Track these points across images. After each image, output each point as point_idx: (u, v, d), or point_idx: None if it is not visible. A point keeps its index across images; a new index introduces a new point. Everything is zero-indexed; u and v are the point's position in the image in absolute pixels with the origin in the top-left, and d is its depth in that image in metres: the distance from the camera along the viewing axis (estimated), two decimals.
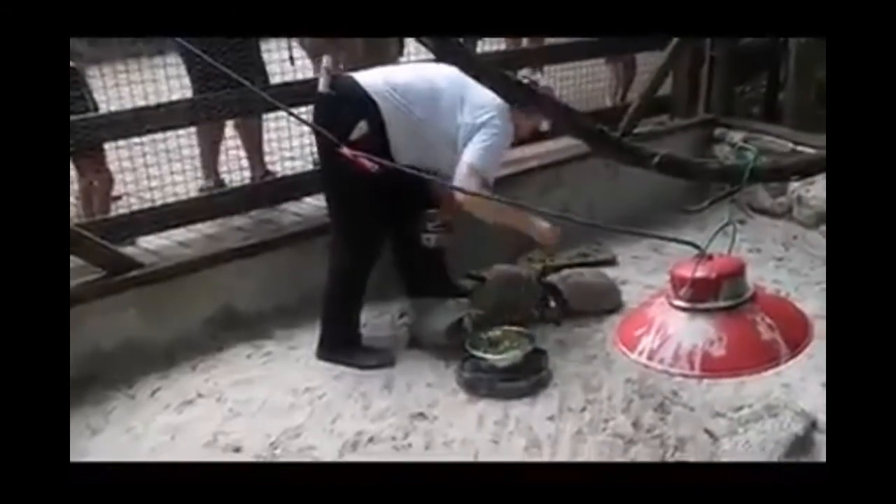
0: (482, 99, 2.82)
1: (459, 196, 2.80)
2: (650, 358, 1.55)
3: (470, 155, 2.81)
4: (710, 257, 1.59)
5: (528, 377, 2.81)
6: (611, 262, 3.77)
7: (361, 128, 2.70)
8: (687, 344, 1.52)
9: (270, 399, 2.81)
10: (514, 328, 3.04)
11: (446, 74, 2.85)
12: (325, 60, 2.87)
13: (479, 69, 1.48)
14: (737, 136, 4.46)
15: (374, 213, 2.89)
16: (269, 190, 3.71)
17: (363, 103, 2.76)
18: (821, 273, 3.60)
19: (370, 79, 2.84)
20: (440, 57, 1.71)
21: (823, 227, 4.01)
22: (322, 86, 2.79)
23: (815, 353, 2.77)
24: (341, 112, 2.75)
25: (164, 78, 3.62)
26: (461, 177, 2.78)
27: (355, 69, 2.96)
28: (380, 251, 3.01)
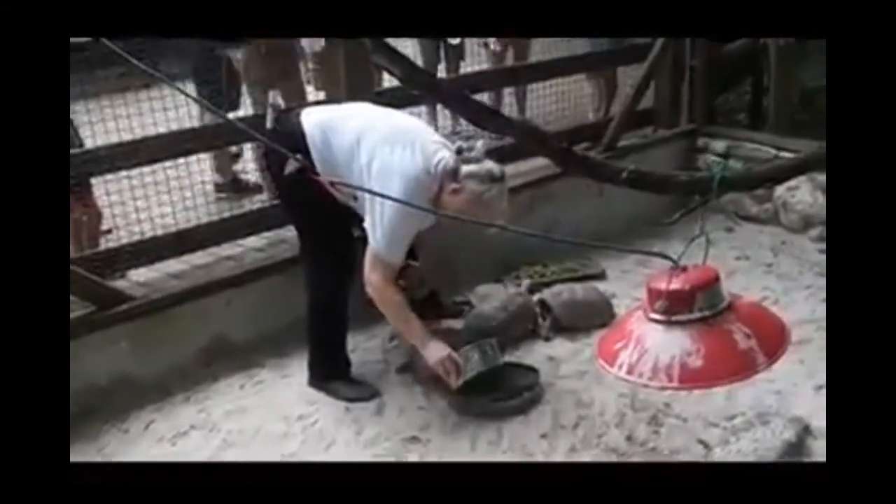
0: (392, 165, 2.59)
1: (368, 287, 2.68)
2: (629, 372, 1.56)
3: (373, 240, 2.63)
4: (685, 269, 1.61)
5: (519, 395, 2.80)
6: (599, 277, 3.78)
7: (299, 159, 2.53)
8: (665, 356, 1.53)
9: (264, 428, 2.80)
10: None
11: (374, 132, 2.66)
12: (272, 97, 2.87)
13: (443, 93, 1.50)
14: (720, 146, 4.49)
15: (343, 235, 2.85)
16: (259, 219, 3.72)
17: (300, 141, 2.69)
18: (809, 278, 3.61)
19: (311, 117, 2.77)
20: (406, 83, 1.73)
21: (810, 232, 4.04)
22: (268, 122, 2.79)
23: (807, 358, 2.79)
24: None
25: (149, 111, 3.63)
26: (366, 266, 2.67)
27: (335, 101, 2.94)
28: (354, 274, 2.85)
